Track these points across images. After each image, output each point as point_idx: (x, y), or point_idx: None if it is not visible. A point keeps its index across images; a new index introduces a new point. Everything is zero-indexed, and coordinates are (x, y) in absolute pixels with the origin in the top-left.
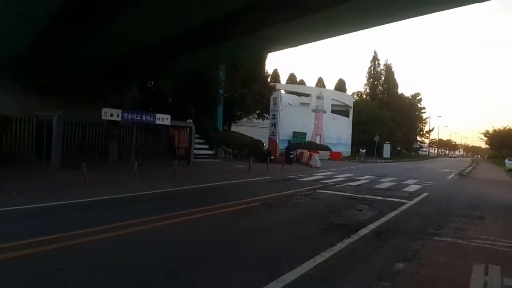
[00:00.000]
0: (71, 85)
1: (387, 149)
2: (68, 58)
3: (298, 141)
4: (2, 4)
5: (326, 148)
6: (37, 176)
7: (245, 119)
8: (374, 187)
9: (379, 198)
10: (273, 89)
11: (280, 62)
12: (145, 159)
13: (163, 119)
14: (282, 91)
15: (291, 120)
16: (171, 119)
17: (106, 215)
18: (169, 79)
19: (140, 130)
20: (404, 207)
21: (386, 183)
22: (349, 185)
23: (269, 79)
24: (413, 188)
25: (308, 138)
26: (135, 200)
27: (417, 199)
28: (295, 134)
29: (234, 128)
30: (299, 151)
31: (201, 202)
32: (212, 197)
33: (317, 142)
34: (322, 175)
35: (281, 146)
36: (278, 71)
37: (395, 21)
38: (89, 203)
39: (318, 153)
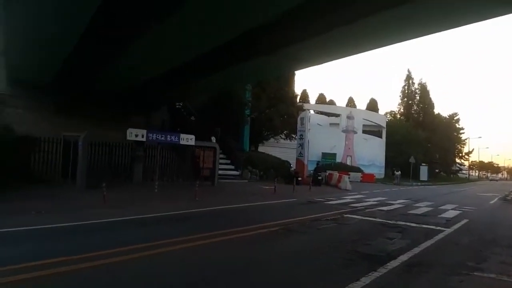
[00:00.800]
0: (99, 107)
1: (423, 171)
2: (93, 82)
3: (328, 162)
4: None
5: (357, 169)
6: (59, 196)
7: (272, 139)
8: (408, 212)
9: (413, 224)
10: (301, 109)
11: (309, 82)
12: (169, 179)
13: (188, 139)
14: (311, 111)
15: (320, 141)
16: (196, 139)
17: (115, 238)
18: (196, 100)
19: (165, 150)
20: (440, 236)
21: (421, 208)
22: (381, 209)
23: (297, 99)
24: (451, 214)
25: (338, 159)
26: (150, 222)
27: (456, 226)
28: (325, 155)
29: (261, 148)
30: (328, 172)
31: (218, 225)
32: (231, 220)
33: (348, 163)
34: (351, 198)
35: (310, 168)
36: (307, 91)
37: (436, 32)
38: (101, 224)
39: (348, 174)
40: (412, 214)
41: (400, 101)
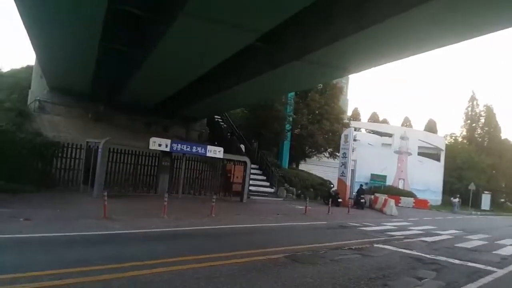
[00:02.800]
0: (136, 118)
1: (486, 199)
2: (119, 93)
3: (377, 185)
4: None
5: (410, 194)
6: (69, 203)
7: (315, 157)
8: (456, 245)
9: (456, 261)
10: (347, 126)
11: (362, 101)
12: (196, 192)
13: (215, 151)
14: (362, 130)
15: (370, 161)
16: (230, 153)
17: (88, 255)
18: (237, 115)
19: (195, 162)
20: (488, 279)
21: (474, 241)
22: (423, 240)
23: (344, 116)
24: (509, 250)
25: (389, 182)
26: (137, 238)
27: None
28: (374, 176)
29: (303, 166)
30: (374, 195)
31: (214, 247)
32: (233, 242)
33: (400, 187)
34: (393, 225)
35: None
36: (358, 109)
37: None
38: (83, 237)
39: (400, 199)
40: (459, 248)
41: (463, 123)
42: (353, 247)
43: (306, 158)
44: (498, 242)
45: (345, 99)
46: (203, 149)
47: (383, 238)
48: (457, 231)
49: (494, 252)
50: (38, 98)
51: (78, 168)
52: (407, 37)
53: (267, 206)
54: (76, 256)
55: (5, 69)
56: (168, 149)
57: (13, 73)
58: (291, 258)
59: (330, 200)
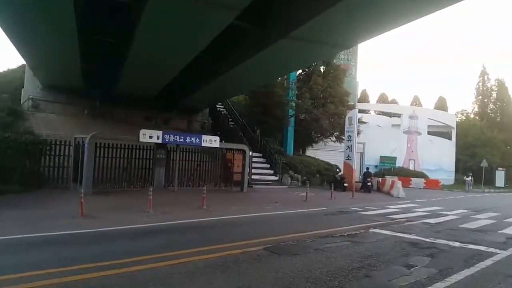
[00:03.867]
0: (134, 110)
1: (500, 176)
2: (113, 86)
3: (387, 167)
4: None
5: (421, 175)
6: (53, 202)
7: (322, 142)
8: (460, 226)
9: (456, 244)
10: (352, 108)
11: (371, 82)
12: (195, 184)
13: (211, 141)
14: (372, 112)
15: (379, 143)
16: (233, 142)
17: (45, 258)
18: (239, 103)
19: (193, 153)
20: (487, 262)
21: (481, 220)
22: (426, 222)
23: (352, 98)
24: None
25: (399, 164)
26: (107, 237)
27: None
28: (383, 159)
29: (310, 152)
30: (382, 178)
31: (192, 241)
32: (215, 235)
33: (411, 168)
34: (398, 208)
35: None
36: (367, 91)
37: None
38: (50, 238)
39: (410, 180)
40: (463, 229)
41: (474, 99)
42: (346, 234)
43: (313, 144)
44: (508, 220)
45: (353, 81)
46: (197, 139)
47: (382, 222)
48: (465, 211)
49: (500, 231)
50: (31, 96)
51: (67, 165)
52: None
53: (268, 195)
54: (33, 260)
55: (1, 69)
56: (160, 141)
57: (8, 73)
58: (271, 250)
59: (333, 185)
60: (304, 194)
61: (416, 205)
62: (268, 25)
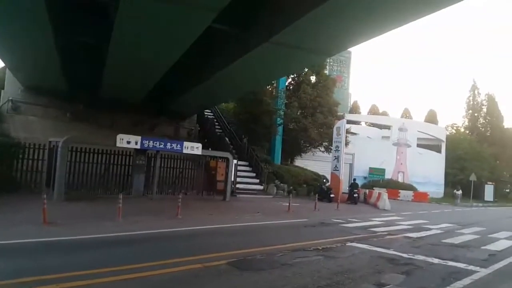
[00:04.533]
0: (120, 115)
1: (489, 191)
2: (97, 88)
3: (375, 179)
4: None
5: (410, 187)
6: (21, 208)
7: (310, 152)
8: (442, 241)
9: (434, 261)
10: (341, 118)
11: (362, 94)
12: (175, 192)
13: (193, 148)
14: (363, 123)
15: (369, 155)
16: (219, 149)
17: None
18: (229, 110)
19: (175, 160)
20: (465, 281)
21: (465, 235)
22: (407, 236)
23: (341, 109)
24: (501, 245)
25: (388, 176)
26: (71, 246)
27: (498, 265)
28: (372, 170)
29: (299, 162)
30: (368, 190)
31: (153, 254)
32: (180, 247)
33: (400, 180)
34: (381, 221)
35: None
36: (358, 102)
37: None
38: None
39: (399, 192)
40: (445, 244)
41: (465, 113)
42: (320, 247)
43: (302, 154)
44: (492, 235)
45: (346, 92)
46: (178, 145)
47: (362, 235)
48: (450, 225)
49: (483, 247)
50: (10, 98)
51: (41, 170)
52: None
53: (251, 204)
54: None
55: None
56: (138, 147)
57: None
58: (234, 265)
59: (317, 195)
60: (286, 204)
61: (401, 218)
62: (251, 29)
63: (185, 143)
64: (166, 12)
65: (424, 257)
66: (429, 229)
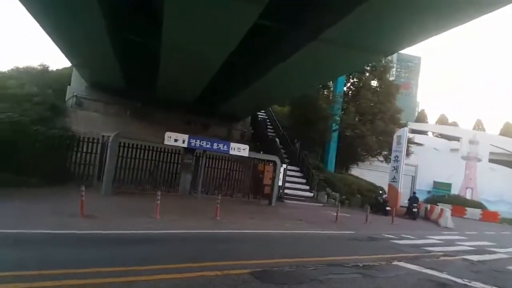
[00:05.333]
0: (174, 114)
1: None
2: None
3: (440, 194)
4: None
5: (478, 205)
6: (67, 199)
7: (367, 162)
8: (508, 268)
9: None
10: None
11: (431, 102)
12: (220, 193)
13: (240, 149)
14: (430, 134)
15: (434, 167)
16: (270, 153)
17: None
18: (283, 115)
19: (224, 161)
20: None
21: None
22: (466, 259)
23: (411, 118)
24: None
25: (455, 191)
26: (97, 241)
27: None
28: (437, 184)
29: (355, 171)
30: (430, 205)
31: (176, 255)
32: (207, 251)
33: (467, 197)
34: (440, 239)
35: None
36: (425, 111)
37: None
38: (27, 236)
39: (465, 210)
40: (510, 271)
41: None
42: (361, 264)
43: (358, 162)
44: None
45: (413, 100)
46: (225, 146)
47: (413, 255)
48: None
49: None
50: (75, 93)
51: (94, 163)
52: None
53: (296, 211)
54: None
55: (55, 67)
56: (185, 145)
57: (60, 71)
58: (256, 275)
59: (369, 207)
60: (339, 214)
61: (463, 237)
62: (299, 26)
63: (232, 144)
64: (212, 6)
65: (483, 284)
66: (494, 253)
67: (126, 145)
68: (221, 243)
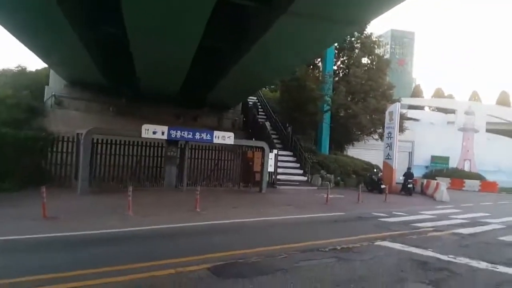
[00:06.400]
0: (162, 108)
1: None
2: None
3: (439, 168)
4: None
5: (476, 176)
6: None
7: (363, 141)
8: (500, 238)
9: (480, 265)
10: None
11: (427, 77)
12: (208, 184)
13: (224, 137)
14: (426, 108)
15: (431, 142)
16: (262, 139)
17: None
18: (275, 99)
19: (210, 151)
20: None
21: None
22: (456, 233)
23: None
24: None
25: (453, 164)
26: (52, 245)
27: None
28: (434, 158)
29: (352, 151)
30: (426, 180)
31: (131, 255)
32: (173, 247)
33: (466, 169)
34: (432, 214)
35: (418, 173)
36: (420, 86)
37: None
38: None
39: (463, 182)
40: (501, 242)
41: None
42: (339, 247)
43: (354, 142)
44: None
45: (409, 77)
46: (208, 135)
47: (399, 232)
48: None
49: None
50: (54, 93)
51: (71, 162)
52: None
53: (287, 196)
54: None
55: (34, 68)
56: (165, 137)
57: (40, 71)
58: (215, 270)
59: (361, 186)
60: (331, 196)
61: (457, 210)
62: (269, 1)
63: (216, 133)
64: None
65: (469, 259)
66: (488, 224)
67: (104, 141)
68: (188, 237)
